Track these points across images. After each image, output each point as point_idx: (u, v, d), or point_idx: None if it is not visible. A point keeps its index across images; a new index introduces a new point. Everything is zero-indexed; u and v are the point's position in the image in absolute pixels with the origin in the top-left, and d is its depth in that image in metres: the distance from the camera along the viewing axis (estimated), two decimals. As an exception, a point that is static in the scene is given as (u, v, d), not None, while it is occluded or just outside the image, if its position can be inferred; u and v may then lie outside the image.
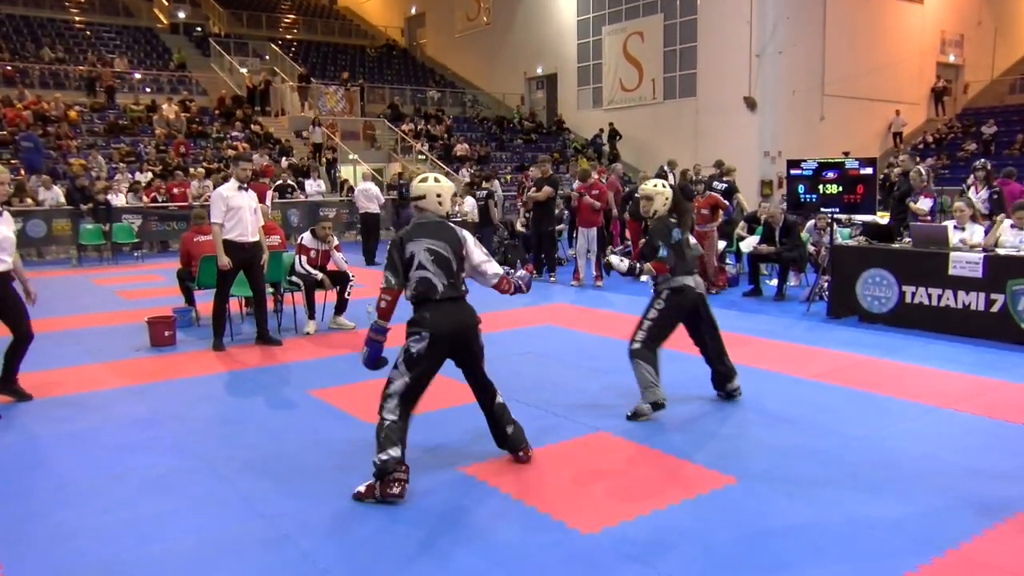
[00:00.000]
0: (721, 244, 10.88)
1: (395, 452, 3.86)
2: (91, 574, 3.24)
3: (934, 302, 7.63)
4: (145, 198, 17.10)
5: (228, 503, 3.94)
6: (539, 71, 29.85)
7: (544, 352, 7.21)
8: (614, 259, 5.46)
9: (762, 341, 7.55)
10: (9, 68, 23.10)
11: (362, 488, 3.93)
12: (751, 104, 21.93)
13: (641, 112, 25.40)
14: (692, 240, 5.57)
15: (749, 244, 10.50)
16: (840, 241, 9.56)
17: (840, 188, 8.69)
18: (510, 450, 4.44)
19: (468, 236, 4.26)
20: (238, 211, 7.21)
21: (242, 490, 4.09)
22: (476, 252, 4.23)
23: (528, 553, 3.38)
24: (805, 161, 9.12)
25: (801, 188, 9.06)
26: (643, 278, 5.85)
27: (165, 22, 31.24)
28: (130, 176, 18.20)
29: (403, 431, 3.97)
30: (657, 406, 5.15)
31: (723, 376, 5.57)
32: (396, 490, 3.84)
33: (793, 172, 9.21)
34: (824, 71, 22.72)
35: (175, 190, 17.35)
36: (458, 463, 4.39)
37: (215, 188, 7.96)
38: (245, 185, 7.36)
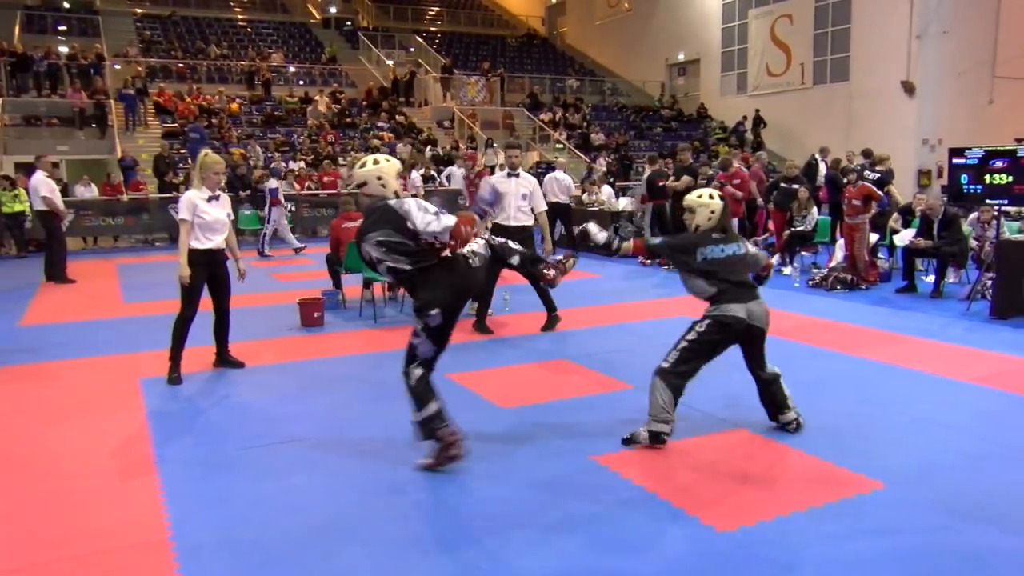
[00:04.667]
0: (873, 237, 10.30)
1: (435, 406, 4.07)
2: (247, 537, 3.47)
3: (1118, 304, 6.95)
4: (297, 185, 18.05)
5: (368, 478, 4.11)
6: (680, 57, 29.22)
7: (680, 344, 7.07)
8: (592, 227, 4.65)
9: (916, 340, 7.11)
10: (181, 65, 24.93)
11: (427, 460, 4.12)
12: (909, 88, 20.59)
13: (788, 98, 24.39)
14: (752, 249, 4.79)
15: (904, 237, 9.90)
16: (1007, 235, 8.85)
17: (1011, 178, 8.03)
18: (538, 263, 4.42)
19: (410, 207, 3.97)
20: (503, 196, 7.67)
21: (382, 467, 4.25)
22: (419, 217, 3.92)
23: (661, 546, 3.34)
24: (970, 149, 8.50)
25: (965, 178, 8.46)
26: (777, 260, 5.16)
27: (318, 17, 32.79)
28: (284, 165, 19.25)
29: (433, 389, 4.13)
30: (657, 438, 4.43)
31: (773, 408, 4.75)
32: (456, 452, 4.07)
33: (956, 161, 8.60)
34: (996, 49, 20.97)
35: (325, 179, 18.21)
36: (591, 452, 4.39)
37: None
38: (516, 172, 7.66)
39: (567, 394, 4.66)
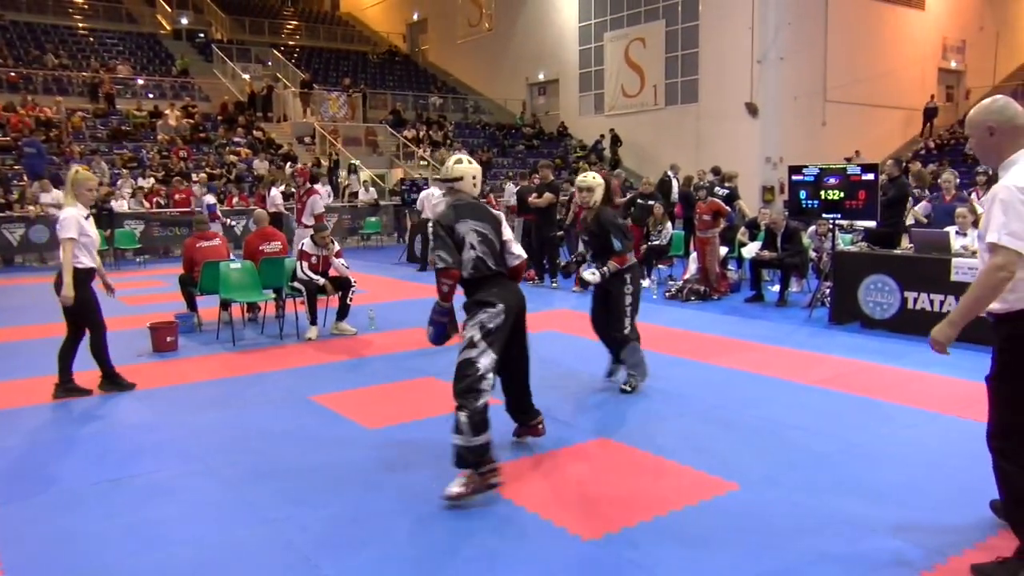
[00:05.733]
0: (723, 250, 10.88)
1: (489, 436, 3.97)
2: (93, 580, 3.24)
3: (936, 308, 7.62)
4: (147, 203, 17.11)
5: (231, 508, 3.94)
6: (541, 77, 29.89)
7: (547, 358, 7.20)
8: (587, 275, 5.68)
9: (764, 347, 7.54)
10: (13, 74, 23.18)
11: (460, 488, 3.90)
12: (753, 110, 21.95)
13: (643, 118, 25.42)
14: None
15: (751, 250, 10.50)
16: (842, 247, 9.56)
17: (842, 194, 8.69)
18: (530, 421, 4.68)
19: (502, 216, 4.47)
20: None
21: (245, 495, 4.09)
22: (507, 230, 4.41)
23: (529, 558, 3.37)
24: (807, 167, 9.12)
25: (803, 194, 9.06)
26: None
27: (168, 28, 31.32)
28: (133, 182, 18.23)
29: (488, 418, 4.04)
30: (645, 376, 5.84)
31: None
32: (497, 480, 3.98)
33: (795, 178, 9.21)
34: (826, 77, 22.75)
35: (177, 196, 17.37)
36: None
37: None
38: None
39: (433, 412, 4.64)
